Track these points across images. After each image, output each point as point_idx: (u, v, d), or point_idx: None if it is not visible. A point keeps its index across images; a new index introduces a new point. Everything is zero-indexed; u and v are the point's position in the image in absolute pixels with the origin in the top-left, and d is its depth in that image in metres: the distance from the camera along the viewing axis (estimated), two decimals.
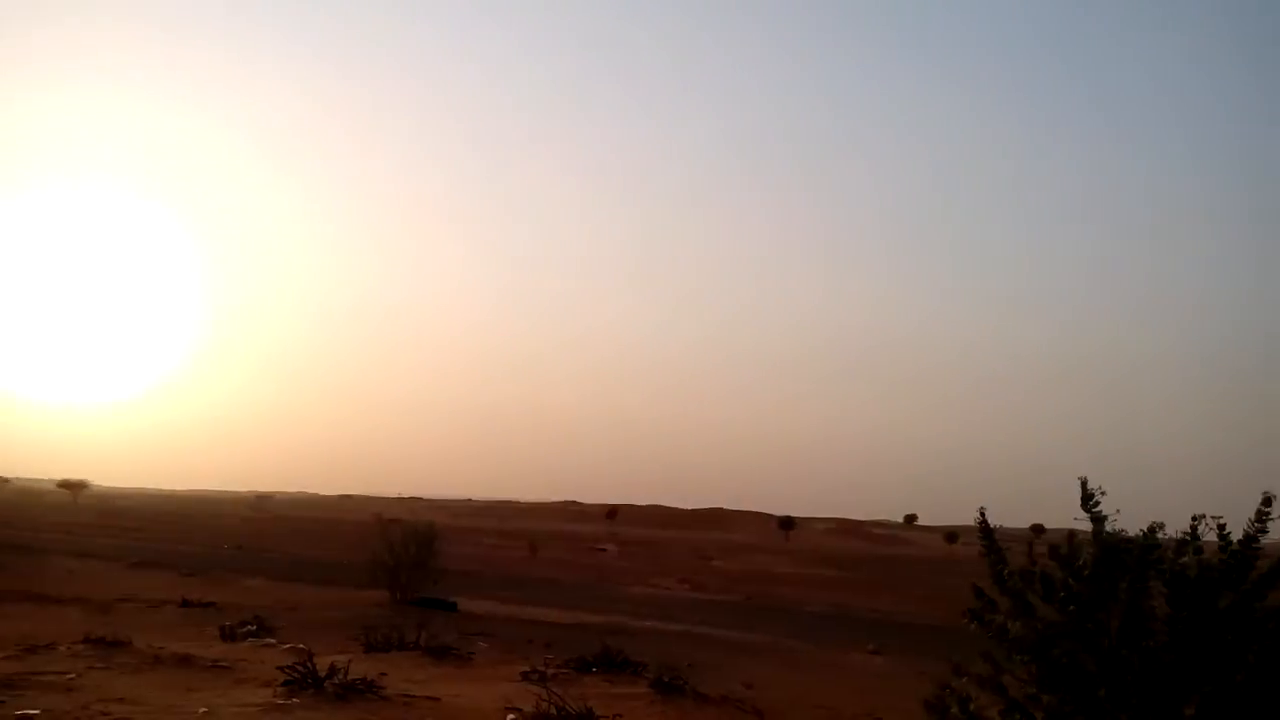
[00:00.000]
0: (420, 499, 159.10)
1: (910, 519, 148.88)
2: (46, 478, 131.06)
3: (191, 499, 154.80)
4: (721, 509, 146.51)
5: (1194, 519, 5.65)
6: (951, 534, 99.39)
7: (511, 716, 9.58)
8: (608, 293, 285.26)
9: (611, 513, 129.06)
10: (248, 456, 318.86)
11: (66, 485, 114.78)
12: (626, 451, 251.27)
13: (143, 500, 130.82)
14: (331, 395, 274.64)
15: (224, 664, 11.82)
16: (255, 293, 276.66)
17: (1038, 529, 71.21)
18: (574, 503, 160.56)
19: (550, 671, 12.27)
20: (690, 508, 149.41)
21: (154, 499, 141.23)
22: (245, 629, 15.12)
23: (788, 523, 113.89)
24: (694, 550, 69.59)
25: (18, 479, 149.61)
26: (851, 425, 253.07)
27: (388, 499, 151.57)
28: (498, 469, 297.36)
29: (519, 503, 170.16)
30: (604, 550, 65.14)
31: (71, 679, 10.29)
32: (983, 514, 6.54)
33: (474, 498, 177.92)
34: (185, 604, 19.05)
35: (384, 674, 10.98)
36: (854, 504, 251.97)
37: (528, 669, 12.32)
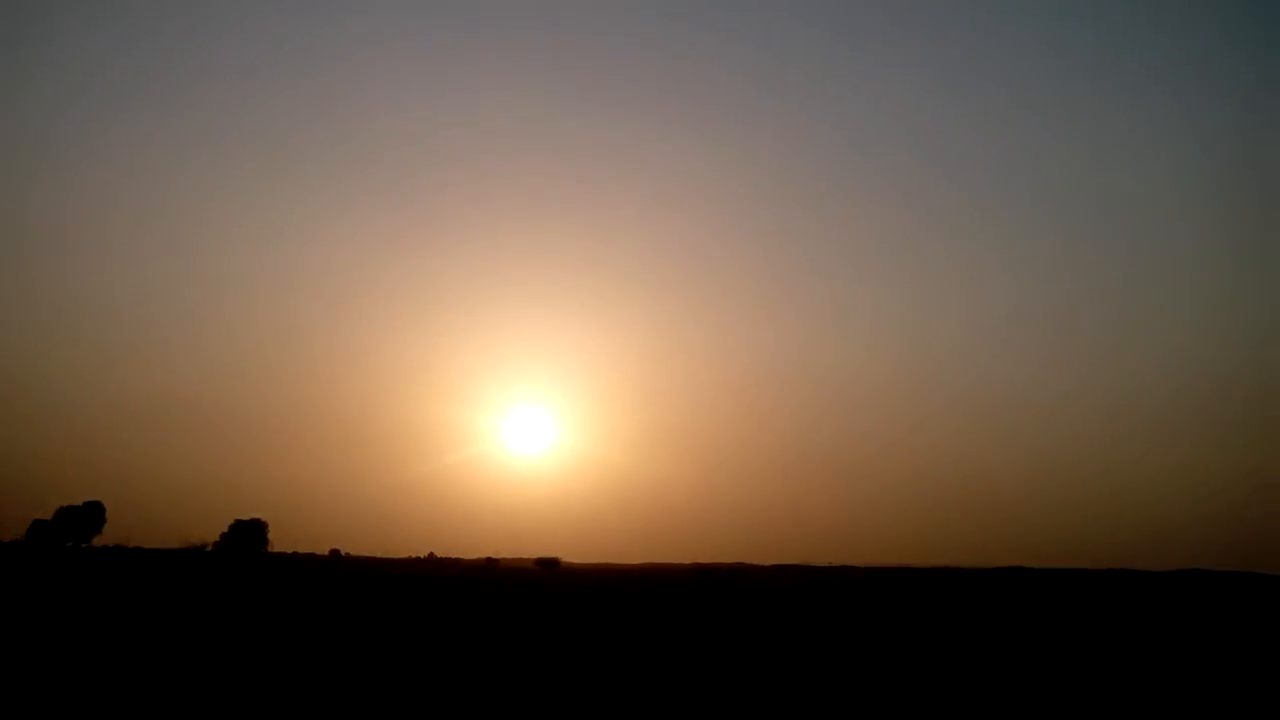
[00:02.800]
0: (851, 567, 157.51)
1: None
2: (525, 556, 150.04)
3: (642, 572, 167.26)
4: None
5: None
6: None
7: None
8: None
9: None
10: (687, 531, 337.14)
11: (542, 563, 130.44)
12: None
13: (603, 575, 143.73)
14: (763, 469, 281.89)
15: None
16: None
17: None
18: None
19: None
20: None
21: (611, 573, 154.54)
22: None
23: None
24: None
25: (504, 559, 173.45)
26: None
27: (821, 568, 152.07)
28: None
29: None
30: None
31: None
32: None
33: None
34: None
35: None
36: None
37: None
